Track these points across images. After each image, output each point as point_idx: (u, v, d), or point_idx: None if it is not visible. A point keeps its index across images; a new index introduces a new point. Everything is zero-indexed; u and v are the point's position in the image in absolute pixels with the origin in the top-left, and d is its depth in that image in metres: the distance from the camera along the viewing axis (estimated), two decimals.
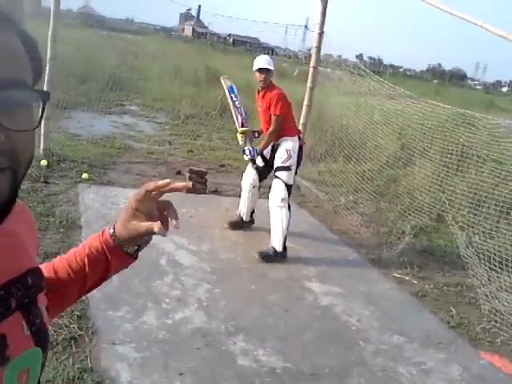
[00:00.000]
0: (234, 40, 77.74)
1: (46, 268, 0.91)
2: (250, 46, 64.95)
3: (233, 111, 4.77)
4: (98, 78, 11.45)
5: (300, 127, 6.54)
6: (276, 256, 4.26)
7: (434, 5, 4.72)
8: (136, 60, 16.75)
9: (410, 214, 5.37)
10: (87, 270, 0.91)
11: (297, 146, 4.50)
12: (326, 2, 5.98)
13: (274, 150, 4.57)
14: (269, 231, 4.38)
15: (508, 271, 4.02)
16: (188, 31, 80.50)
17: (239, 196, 4.92)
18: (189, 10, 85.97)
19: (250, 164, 4.73)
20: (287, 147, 4.46)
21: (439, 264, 4.72)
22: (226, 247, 4.37)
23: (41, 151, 5.63)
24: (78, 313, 2.95)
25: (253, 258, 4.21)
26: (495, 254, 4.15)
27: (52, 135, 5.98)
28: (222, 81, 5.06)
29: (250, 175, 4.74)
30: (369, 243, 5.01)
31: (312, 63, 6.22)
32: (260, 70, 4.46)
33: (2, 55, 0.56)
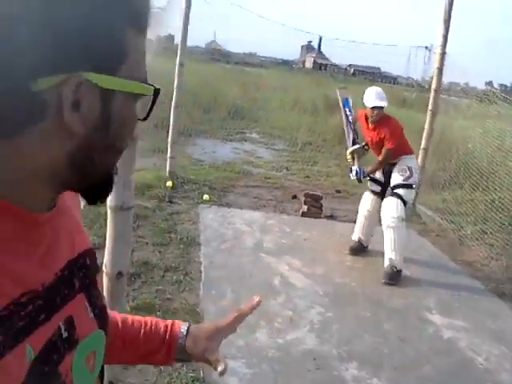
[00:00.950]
0: (354, 70, 77.61)
1: (120, 316, 0.91)
2: (371, 76, 64.27)
3: (345, 127, 4.74)
4: (221, 108, 12.09)
5: (420, 152, 6.29)
6: (398, 274, 4.16)
7: None
8: (257, 91, 17.39)
9: None
10: (140, 341, 0.88)
11: (417, 165, 4.42)
12: (449, 24, 5.76)
13: (388, 172, 4.48)
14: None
15: None
16: (309, 63, 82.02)
17: (354, 222, 4.81)
18: (310, 42, 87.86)
19: (367, 192, 4.69)
20: (408, 164, 4.36)
21: None
22: (340, 271, 4.27)
23: (167, 173, 6.03)
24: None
25: (368, 283, 4.06)
26: None
27: (177, 159, 6.37)
28: (338, 92, 4.95)
29: (366, 200, 4.65)
30: (498, 277, 4.58)
31: (433, 85, 5.97)
32: (372, 108, 4.32)
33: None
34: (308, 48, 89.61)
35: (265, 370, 2.79)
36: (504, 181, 6.15)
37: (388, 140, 4.29)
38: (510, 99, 6.44)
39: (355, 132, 4.67)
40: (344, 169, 8.34)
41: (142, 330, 0.88)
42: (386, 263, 4.18)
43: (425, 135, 6.11)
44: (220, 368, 0.83)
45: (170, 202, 5.30)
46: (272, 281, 3.89)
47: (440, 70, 5.86)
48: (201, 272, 3.85)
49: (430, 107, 6.03)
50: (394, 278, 4.13)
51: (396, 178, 4.34)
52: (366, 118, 4.45)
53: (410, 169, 4.33)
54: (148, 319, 0.91)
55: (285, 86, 19.60)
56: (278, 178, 7.27)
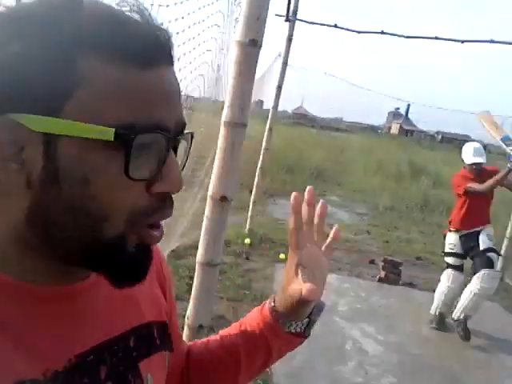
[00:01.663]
0: (442, 137, 75.96)
1: (198, 344, 0.81)
2: (460, 144, 62.52)
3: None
4: (305, 170, 12.33)
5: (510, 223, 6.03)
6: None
7: None
8: (341, 155, 17.56)
9: None
10: (241, 351, 0.75)
11: None
12: None
13: (466, 241, 4.42)
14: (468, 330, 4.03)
15: None
16: (395, 129, 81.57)
17: (434, 291, 4.65)
18: (397, 108, 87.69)
19: (448, 269, 4.52)
20: (492, 233, 4.41)
21: None
22: (415, 342, 4.11)
23: (246, 231, 6.22)
24: (260, 382, 3.08)
25: (444, 356, 3.87)
26: None
27: (257, 218, 6.57)
28: (479, 118, 4.68)
29: (447, 277, 4.51)
30: None
31: None
32: (475, 165, 4.32)
33: (178, 94, 0.50)
34: (395, 114, 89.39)
35: None
36: None
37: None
38: None
39: None
40: (426, 236, 8.14)
41: (240, 339, 0.76)
42: (459, 316, 4.21)
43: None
44: (304, 290, 0.62)
45: (247, 258, 5.44)
46: (344, 345, 3.83)
47: None
48: None
49: None
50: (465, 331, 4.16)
51: (487, 244, 4.28)
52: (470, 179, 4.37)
53: (492, 236, 4.37)
54: (243, 321, 0.79)
55: (369, 150, 19.64)
56: (356, 241, 7.22)
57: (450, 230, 4.56)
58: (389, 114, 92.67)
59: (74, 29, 0.43)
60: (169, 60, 0.48)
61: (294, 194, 0.68)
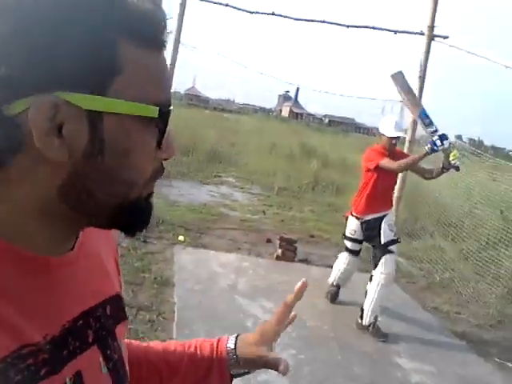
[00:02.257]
0: (329, 120, 79.67)
1: (134, 342, 0.85)
2: (346, 127, 66.01)
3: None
4: (199, 152, 12.28)
5: (394, 200, 6.48)
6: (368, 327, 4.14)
7: None
8: (235, 136, 17.73)
9: None
10: (183, 368, 0.82)
11: None
12: (423, 81, 6.08)
13: (370, 228, 4.29)
14: (357, 304, 4.29)
15: None
16: (285, 112, 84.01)
17: (328, 267, 4.90)
18: (287, 91, 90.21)
19: (344, 253, 4.55)
20: (393, 218, 4.46)
21: None
22: (313, 315, 4.32)
23: None
24: None
25: (340, 327, 4.12)
26: None
27: (153, 200, 6.41)
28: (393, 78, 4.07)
29: (342, 260, 4.56)
30: (466, 324, 4.69)
31: (408, 137, 6.24)
32: (393, 139, 4.14)
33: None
34: (285, 97, 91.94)
35: None
36: (471, 232, 6.39)
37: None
38: (479, 153, 6.78)
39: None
40: (318, 215, 8.53)
41: (186, 358, 0.82)
42: (370, 320, 4.11)
43: (398, 185, 6.31)
44: (281, 367, 0.78)
45: (145, 241, 5.31)
46: (245, 323, 3.91)
47: (415, 122, 6.13)
48: (174, 312, 3.86)
49: None
50: (380, 332, 4.12)
51: (389, 235, 4.16)
52: (384, 154, 4.17)
53: (394, 224, 4.36)
54: (192, 343, 0.85)
55: (262, 132, 20.05)
56: (253, 221, 7.36)
57: (352, 215, 4.42)
58: (279, 96, 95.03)
59: (115, 15, 0.47)
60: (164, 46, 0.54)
61: (303, 281, 0.82)
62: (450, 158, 3.81)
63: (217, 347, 0.83)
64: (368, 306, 4.12)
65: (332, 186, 10.76)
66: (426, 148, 3.83)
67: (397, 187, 6.36)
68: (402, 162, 4.04)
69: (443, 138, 3.71)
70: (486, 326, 4.67)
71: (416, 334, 4.28)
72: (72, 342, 0.54)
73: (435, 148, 3.73)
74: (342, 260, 4.54)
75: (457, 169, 3.96)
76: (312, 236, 6.96)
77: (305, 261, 5.74)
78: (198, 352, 0.83)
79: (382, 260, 4.11)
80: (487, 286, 5.44)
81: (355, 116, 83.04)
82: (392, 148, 4.15)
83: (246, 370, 0.84)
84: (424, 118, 3.85)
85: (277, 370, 0.79)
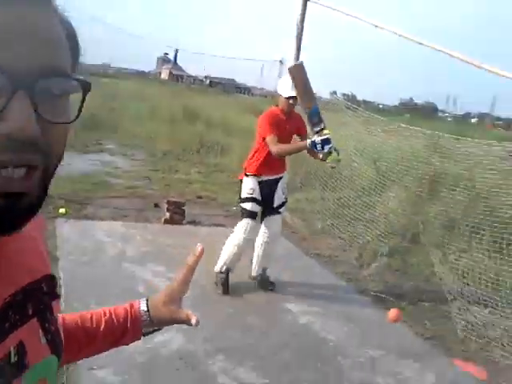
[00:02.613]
0: (210, 81, 79.11)
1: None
2: (227, 87, 66.10)
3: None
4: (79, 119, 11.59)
5: None
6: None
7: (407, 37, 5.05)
8: (114, 101, 16.97)
9: (384, 237, 5.50)
10: (100, 334, 0.87)
11: None
12: (301, 39, 6.25)
13: (263, 188, 4.11)
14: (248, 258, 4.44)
15: (480, 285, 4.14)
16: (165, 74, 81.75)
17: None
18: (166, 54, 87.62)
19: (245, 219, 4.09)
20: (285, 181, 4.35)
21: (414, 282, 4.83)
22: (203, 274, 4.41)
23: None
24: None
25: (232, 282, 4.25)
26: (468, 270, 4.29)
27: None
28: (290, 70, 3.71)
29: (243, 227, 4.10)
30: (345, 265, 5.11)
31: None
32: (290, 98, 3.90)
33: (45, 39, 0.49)
34: (164, 60, 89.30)
35: (134, 376, 2.81)
36: (349, 181, 6.85)
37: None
38: (354, 107, 7.18)
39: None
40: (205, 176, 8.58)
41: (103, 324, 0.87)
42: (258, 272, 4.27)
43: None
44: (193, 320, 0.87)
45: None
46: (137, 288, 3.89)
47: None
48: (60, 286, 3.72)
49: None
50: (267, 282, 4.30)
51: (281, 198, 4.19)
52: (279, 116, 3.99)
53: (286, 186, 4.33)
54: (106, 310, 0.90)
55: (142, 96, 19.41)
56: (138, 187, 7.22)
57: (247, 175, 4.14)
58: (158, 59, 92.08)
59: None
60: (33, 1, 0.49)
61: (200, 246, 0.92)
62: (327, 160, 3.63)
63: (130, 311, 0.89)
64: (256, 261, 4.28)
65: (217, 147, 10.82)
66: (308, 142, 3.63)
67: None
68: (283, 148, 3.88)
69: (325, 142, 3.52)
70: (363, 264, 5.11)
71: (302, 279, 4.58)
72: (12, 316, 0.57)
73: (315, 149, 3.59)
74: (241, 231, 4.06)
75: (332, 167, 3.99)
76: (199, 197, 7.01)
77: (193, 222, 5.79)
78: (114, 317, 0.88)
79: (270, 219, 4.18)
80: (363, 230, 5.92)
81: (235, 76, 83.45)
82: (290, 109, 3.97)
83: (156, 328, 0.92)
84: (313, 116, 3.60)
85: (190, 324, 0.88)
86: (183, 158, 10.09)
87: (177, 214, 5.70)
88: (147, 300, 0.91)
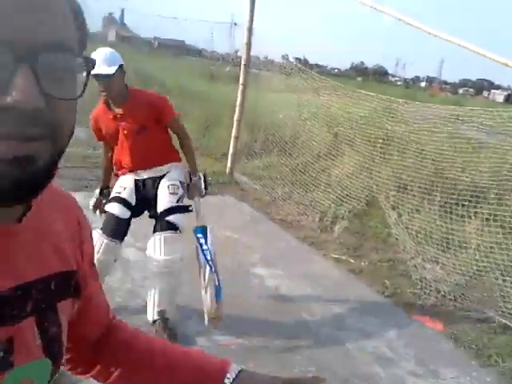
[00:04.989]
0: (159, 43, 76.78)
1: (142, 335, 0.87)
2: (177, 50, 64.43)
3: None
4: None
5: (234, 124, 6.76)
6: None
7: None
8: None
9: (342, 201, 5.72)
10: (176, 375, 0.81)
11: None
12: (253, 4, 6.22)
13: (145, 185, 3.29)
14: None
15: (432, 243, 4.43)
16: (112, 36, 78.64)
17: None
18: (111, 13, 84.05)
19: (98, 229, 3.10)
20: (180, 178, 3.20)
21: (372, 243, 5.10)
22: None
23: None
24: None
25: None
26: (421, 230, 4.56)
27: None
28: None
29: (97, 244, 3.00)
30: (307, 229, 5.31)
31: (243, 61, 6.43)
32: (97, 78, 2.78)
33: (52, 13, 0.49)
34: (110, 20, 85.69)
35: None
36: (304, 147, 6.99)
37: (169, 108, 3.14)
38: (306, 71, 7.24)
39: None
40: None
41: (191, 362, 0.82)
42: (155, 317, 3.03)
43: (237, 108, 6.56)
44: None
45: None
46: None
47: (248, 45, 6.31)
48: None
49: (241, 81, 6.48)
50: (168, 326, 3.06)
51: (166, 200, 3.08)
52: (110, 108, 3.14)
53: (182, 185, 3.16)
54: (191, 350, 0.86)
55: None
56: (97, 156, 7.06)
57: (119, 174, 3.49)
58: (103, 19, 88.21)
59: None
60: None
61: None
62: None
63: (218, 374, 0.80)
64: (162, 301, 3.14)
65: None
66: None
67: (237, 110, 6.64)
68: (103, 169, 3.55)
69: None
70: (323, 228, 5.33)
71: (267, 244, 4.74)
72: (9, 310, 0.55)
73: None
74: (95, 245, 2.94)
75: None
76: None
77: None
78: (205, 360, 0.83)
79: (157, 237, 3.22)
80: (322, 195, 6.12)
81: (185, 38, 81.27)
82: (114, 93, 2.99)
83: None
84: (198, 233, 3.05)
85: None
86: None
87: None
88: (241, 370, 0.80)
